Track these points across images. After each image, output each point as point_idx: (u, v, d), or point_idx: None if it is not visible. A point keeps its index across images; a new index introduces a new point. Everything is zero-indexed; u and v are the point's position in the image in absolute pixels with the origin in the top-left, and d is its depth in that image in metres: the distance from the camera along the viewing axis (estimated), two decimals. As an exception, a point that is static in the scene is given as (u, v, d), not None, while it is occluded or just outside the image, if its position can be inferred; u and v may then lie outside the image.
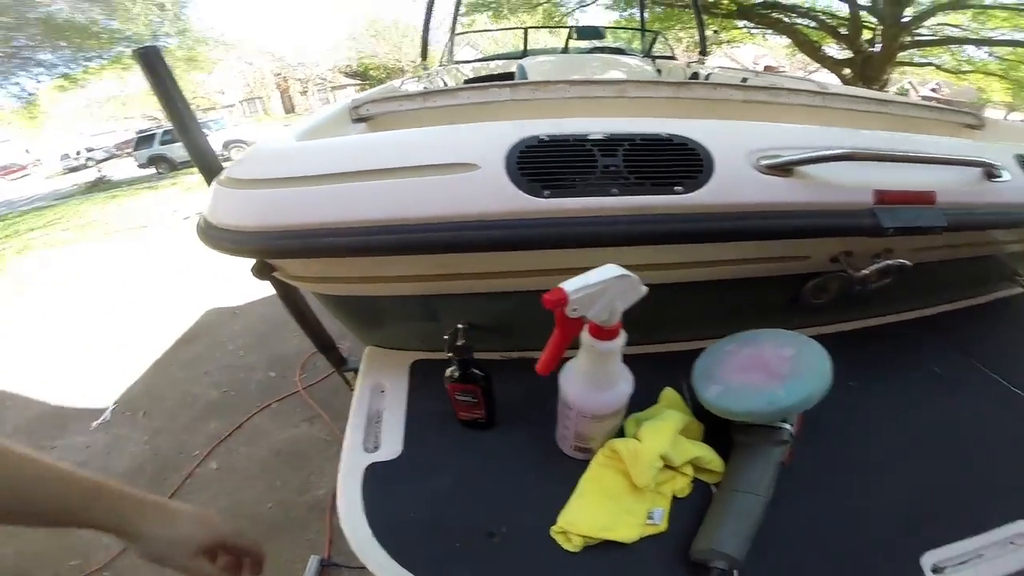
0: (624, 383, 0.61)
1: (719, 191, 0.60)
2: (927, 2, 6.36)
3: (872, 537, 0.59)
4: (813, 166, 0.62)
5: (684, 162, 0.62)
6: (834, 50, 7.48)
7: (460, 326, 0.76)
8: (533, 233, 0.58)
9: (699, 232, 0.60)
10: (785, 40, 8.00)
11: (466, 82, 2.29)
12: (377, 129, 1.05)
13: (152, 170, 11.93)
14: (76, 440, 2.13)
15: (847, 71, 6.78)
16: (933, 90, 16.88)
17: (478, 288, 0.72)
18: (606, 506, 0.61)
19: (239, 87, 24.34)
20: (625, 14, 8.46)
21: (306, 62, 25.42)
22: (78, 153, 19.53)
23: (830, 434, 0.71)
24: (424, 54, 2.73)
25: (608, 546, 0.58)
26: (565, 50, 2.86)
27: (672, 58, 2.93)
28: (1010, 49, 6.78)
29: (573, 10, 9.33)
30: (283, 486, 1.76)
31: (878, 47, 6.45)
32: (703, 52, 2.80)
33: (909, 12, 6.20)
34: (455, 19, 3.05)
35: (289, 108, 25.54)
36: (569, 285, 0.48)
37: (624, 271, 0.51)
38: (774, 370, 0.63)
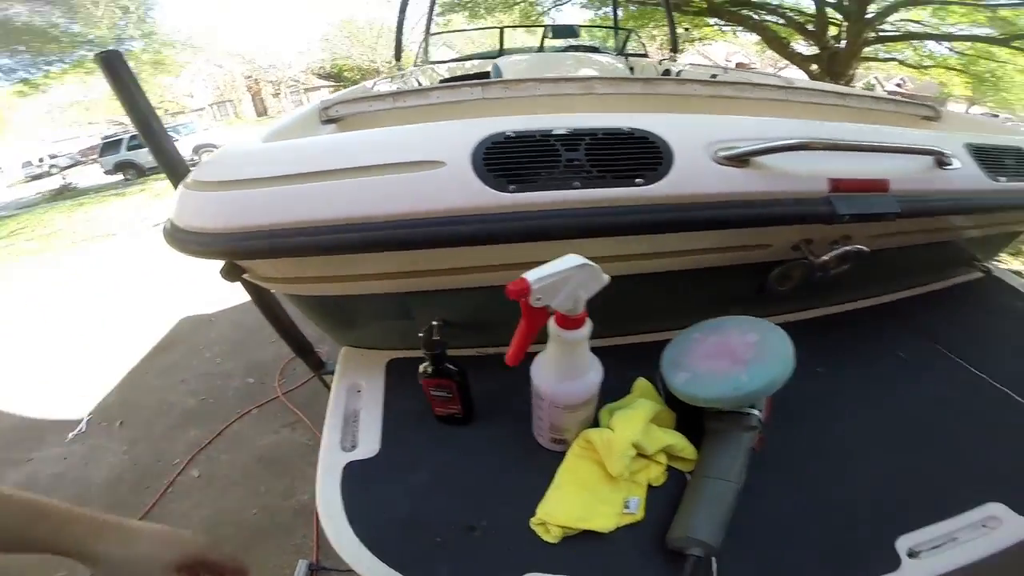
0: (593, 372, 0.62)
1: (678, 182, 0.62)
2: (890, -1, 6.55)
3: (846, 522, 0.60)
4: (769, 156, 0.64)
5: (644, 155, 0.63)
6: (803, 47, 7.64)
7: (434, 323, 0.77)
8: (497, 227, 0.58)
9: (659, 223, 0.61)
10: (756, 37, 8.14)
11: (441, 82, 2.29)
12: (347, 130, 1.04)
13: (119, 176, 11.59)
14: (52, 452, 2.08)
15: (815, 67, 6.92)
16: (898, 85, 17.38)
17: (449, 284, 0.73)
18: (583, 497, 0.61)
19: (209, 90, 23.79)
20: (600, 13, 8.54)
21: (278, 64, 24.99)
22: (41, 160, 18.87)
23: (801, 421, 0.72)
24: (398, 55, 2.72)
25: (587, 536, 0.58)
26: (541, 49, 2.87)
27: (645, 56, 2.98)
28: (969, 44, 7.02)
29: (549, 9, 9.36)
30: (267, 492, 1.74)
31: (844, 43, 6.61)
32: (674, 49, 2.85)
33: (873, 8, 6.36)
34: (430, 19, 3.04)
35: (261, 111, 25.07)
36: (531, 275, 0.50)
37: (585, 260, 0.52)
38: (739, 356, 0.65)
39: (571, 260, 0.52)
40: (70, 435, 2.15)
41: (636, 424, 0.64)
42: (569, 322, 0.55)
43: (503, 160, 0.61)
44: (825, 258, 0.74)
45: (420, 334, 0.75)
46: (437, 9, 3.39)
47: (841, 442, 0.70)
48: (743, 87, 1.19)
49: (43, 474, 1.96)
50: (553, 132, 0.64)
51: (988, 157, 0.80)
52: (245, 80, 24.73)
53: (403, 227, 0.57)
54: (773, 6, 7.50)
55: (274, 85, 25.46)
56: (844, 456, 0.68)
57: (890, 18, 6.74)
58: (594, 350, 0.63)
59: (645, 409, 0.67)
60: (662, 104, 1.15)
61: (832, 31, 6.78)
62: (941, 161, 0.73)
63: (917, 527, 0.58)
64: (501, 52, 2.73)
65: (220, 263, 0.66)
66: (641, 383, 0.76)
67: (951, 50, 7.48)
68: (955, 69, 7.74)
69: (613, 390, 0.71)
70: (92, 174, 13.27)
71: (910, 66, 8.07)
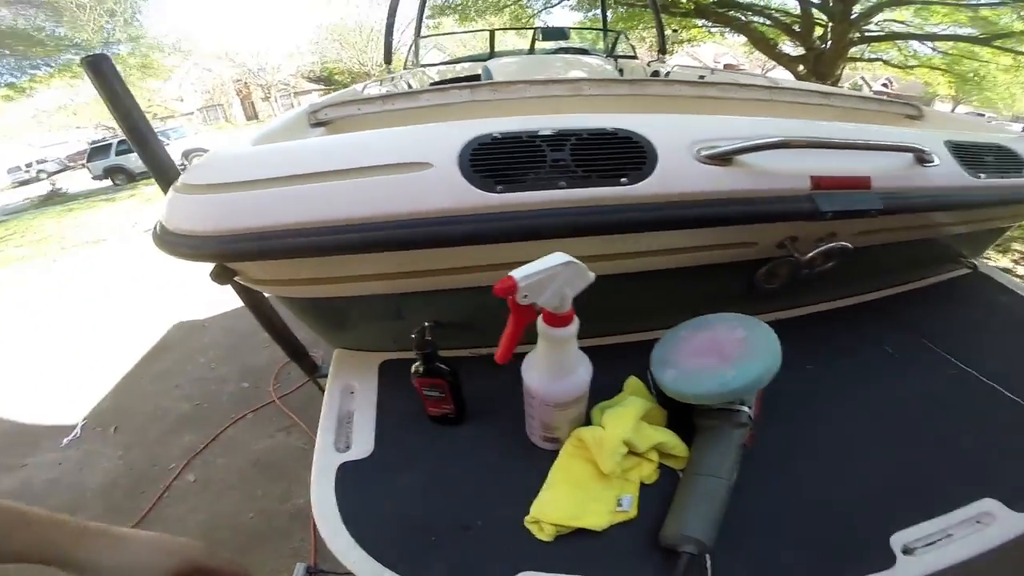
0: (583, 369, 0.63)
1: (662, 181, 0.63)
2: (873, -1, 6.63)
3: (841, 518, 0.59)
4: (751, 155, 0.65)
5: (629, 155, 0.64)
6: (789, 47, 7.71)
7: (427, 324, 0.77)
8: (484, 227, 0.59)
9: (644, 221, 0.62)
10: (743, 38, 8.20)
11: (431, 85, 2.29)
12: (335, 133, 1.05)
13: (108, 182, 11.47)
14: (47, 457, 2.07)
15: (801, 68, 6.99)
16: (884, 85, 17.61)
17: (439, 285, 0.73)
18: (575, 495, 0.61)
19: (198, 94, 23.62)
20: (590, 15, 8.58)
21: (267, 67, 24.86)
22: (28, 165, 18.70)
23: (791, 417, 0.72)
24: (388, 58, 2.71)
25: (580, 534, 0.58)
26: (531, 51, 2.88)
27: (634, 57, 2.99)
28: (952, 44, 7.13)
29: (539, 12, 9.40)
30: (263, 496, 1.73)
31: (829, 44, 6.68)
32: (662, 51, 2.87)
33: (857, 9, 6.43)
34: (419, 22, 3.04)
35: (251, 115, 24.92)
36: (518, 273, 0.50)
37: (570, 258, 0.53)
38: (726, 353, 0.66)
39: (557, 258, 0.52)
40: (65, 440, 2.14)
41: (627, 422, 0.65)
42: (556, 320, 0.56)
43: (490, 161, 0.61)
44: (811, 255, 0.75)
45: (412, 335, 0.75)
46: (427, 12, 3.39)
47: (832, 438, 0.70)
48: (729, 88, 1.20)
49: (38, 480, 1.94)
50: (539, 133, 0.64)
51: (968, 154, 0.81)
52: (235, 84, 24.58)
53: (391, 228, 0.58)
54: (759, 7, 7.57)
55: (264, 89, 25.32)
56: (836, 452, 0.68)
57: (874, 18, 6.83)
58: (585, 349, 0.64)
59: (636, 407, 0.67)
60: (650, 105, 1.16)
61: (818, 32, 6.84)
62: (922, 158, 0.74)
63: (911, 524, 0.58)
64: (491, 55, 2.73)
65: (210, 267, 0.66)
66: (632, 381, 0.76)
67: (935, 50, 7.58)
68: (939, 69, 7.85)
69: (605, 389, 0.72)
70: (81, 179, 13.16)
71: (895, 66, 8.17)
